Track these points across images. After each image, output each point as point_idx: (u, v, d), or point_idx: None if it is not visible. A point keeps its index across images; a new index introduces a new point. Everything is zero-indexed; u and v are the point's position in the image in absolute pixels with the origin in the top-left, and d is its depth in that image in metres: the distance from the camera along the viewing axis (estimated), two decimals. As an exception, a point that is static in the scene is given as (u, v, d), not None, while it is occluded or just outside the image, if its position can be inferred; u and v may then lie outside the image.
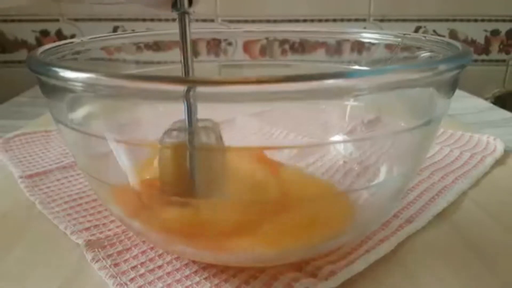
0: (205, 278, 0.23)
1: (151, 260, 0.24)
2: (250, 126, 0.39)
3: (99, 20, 0.73)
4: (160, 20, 0.73)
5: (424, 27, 0.75)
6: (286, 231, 0.22)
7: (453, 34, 0.75)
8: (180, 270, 0.23)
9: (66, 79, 0.18)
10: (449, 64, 0.19)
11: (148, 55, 0.34)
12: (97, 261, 0.24)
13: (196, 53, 0.36)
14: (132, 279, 0.23)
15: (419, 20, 0.74)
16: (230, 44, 0.39)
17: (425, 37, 0.28)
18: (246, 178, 0.25)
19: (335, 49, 0.35)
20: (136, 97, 0.20)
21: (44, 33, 0.74)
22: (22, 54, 0.74)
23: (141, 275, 0.23)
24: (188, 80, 0.19)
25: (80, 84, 0.18)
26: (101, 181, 0.24)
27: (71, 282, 0.23)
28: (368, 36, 0.32)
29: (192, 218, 0.23)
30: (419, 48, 0.28)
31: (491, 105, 0.60)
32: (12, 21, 0.73)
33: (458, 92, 0.22)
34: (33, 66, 0.20)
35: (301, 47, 0.37)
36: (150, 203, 0.24)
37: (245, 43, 0.39)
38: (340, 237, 0.24)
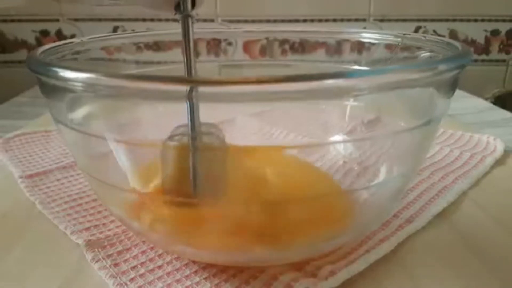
0: (205, 278, 0.23)
1: (151, 260, 0.24)
2: (250, 126, 0.39)
3: (99, 20, 0.73)
4: (160, 20, 0.73)
5: (424, 27, 0.75)
6: (286, 231, 0.22)
7: (453, 34, 0.75)
8: (180, 270, 0.23)
9: (66, 79, 0.18)
10: (449, 64, 0.19)
11: (148, 55, 0.34)
12: (97, 261, 0.24)
13: (196, 53, 0.36)
14: (132, 279, 0.23)
15: (419, 20, 0.74)
16: (230, 44, 0.39)
17: (425, 37, 0.28)
18: (247, 178, 0.25)
19: (335, 49, 0.35)
20: (136, 97, 0.20)
21: (44, 33, 0.74)
22: (22, 54, 0.74)
23: (141, 275, 0.23)
24: (190, 80, 0.19)
25: (80, 84, 0.18)
26: (101, 181, 0.24)
27: (71, 282, 0.23)
28: (368, 36, 0.32)
29: (192, 218, 0.23)
30: (419, 48, 0.28)
31: (491, 105, 0.60)
32: (12, 21, 0.73)
33: (458, 92, 0.22)
34: (33, 66, 0.20)
35: (301, 47, 0.37)
36: (151, 203, 0.24)
37: (245, 43, 0.39)
38: (340, 237, 0.24)
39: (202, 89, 0.17)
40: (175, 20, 0.23)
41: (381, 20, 0.74)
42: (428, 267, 0.24)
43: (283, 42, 0.38)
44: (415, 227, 0.27)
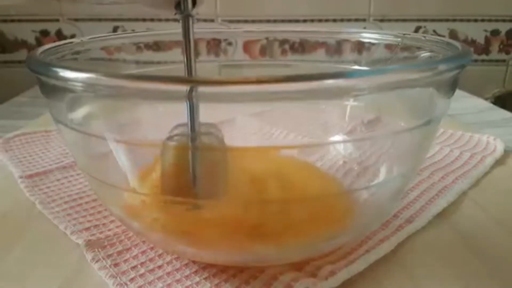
0: (205, 278, 0.23)
1: (151, 260, 0.24)
2: (250, 126, 0.39)
3: (99, 20, 0.73)
4: (160, 20, 0.73)
5: (424, 27, 0.75)
6: (286, 231, 0.22)
7: (453, 34, 0.75)
8: (180, 270, 0.23)
9: (66, 79, 0.18)
10: (449, 64, 0.19)
11: (148, 55, 0.34)
12: (97, 261, 0.24)
13: (196, 53, 0.36)
14: (132, 279, 0.23)
15: (419, 20, 0.74)
16: (230, 44, 0.39)
17: (425, 37, 0.28)
18: (247, 178, 0.25)
19: (335, 49, 0.35)
20: (136, 97, 0.20)
21: (44, 33, 0.74)
22: (22, 54, 0.74)
23: (141, 275, 0.23)
24: (190, 80, 0.19)
25: (80, 84, 0.18)
26: (101, 181, 0.24)
27: (71, 282, 0.23)
28: (368, 36, 0.32)
29: (192, 218, 0.23)
30: (419, 48, 0.28)
31: (491, 105, 0.60)
32: (12, 21, 0.73)
33: (458, 92, 0.22)
34: (33, 66, 0.20)
35: (301, 47, 0.37)
36: (151, 203, 0.24)
37: (245, 43, 0.39)
38: (340, 237, 0.24)
39: (202, 89, 0.17)
40: (175, 20, 0.23)
41: (381, 20, 0.74)
42: (428, 267, 0.24)
43: (283, 42, 0.38)
44: (415, 227, 0.27)
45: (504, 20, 0.75)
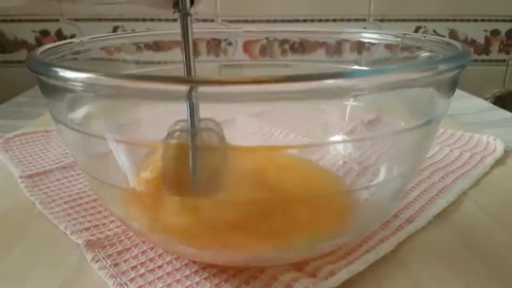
0: (205, 278, 0.23)
1: (151, 260, 0.24)
2: (250, 126, 0.39)
3: (99, 20, 0.73)
4: (160, 20, 0.73)
5: (424, 27, 0.75)
6: (286, 231, 0.22)
7: (453, 34, 0.75)
8: (180, 270, 0.23)
9: (65, 79, 0.18)
10: (448, 64, 0.19)
11: (148, 55, 0.34)
12: (97, 261, 0.24)
13: (196, 53, 0.36)
14: (132, 279, 0.23)
15: (419, 20, 0.74)
16: (230, 44, 0.39)
17: (425, 37, 0.28)
18: (246, 178, 0.25)
19: (335, 49, 0.35)
20: (136, 97, 0.20)
21: (44, 33, 0.74)
22: (22, 54, 0.74)
23: (141, 275, 0.23)
24: (190, 80, 0.19)
25: (80, 84, 0.18)
26: (101, 181, 0.24)
27: (71, 282, 0.23)
28: (368, 36, 0.32)
29: (192, 217, 0.23)
30: (419, 48, 0.28)
31: (491, 105, 0.60)
32: (12, 21, 0.73)
33: (458, 92, 0.22)
34: (33, 66, 0.20)
35: (301, 47, 0.37)
36: (150, 203, 0.24)
37: (245, 43, 0.39)
38: (340, 237, 0.24)
39: (202, 89, 0.17)
40: (175, 20, 0.23)
41: (381, 20, 0.74)
42: (428, 267, 0.24)
43: (283, 42, 0.38)
44: (415, 227, 0.27)
45: (504, 20, 0.75)
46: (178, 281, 0.23)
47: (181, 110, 0.22)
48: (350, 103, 0.29)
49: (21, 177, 0.34)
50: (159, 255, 0.25)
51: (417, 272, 0.24)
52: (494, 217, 0.29)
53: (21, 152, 0.40)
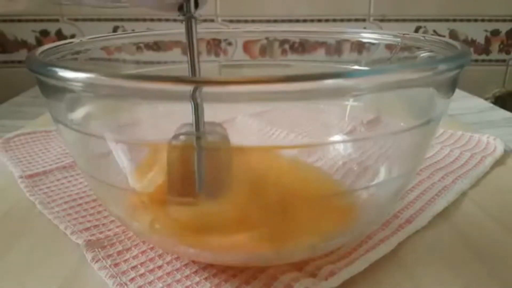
0: (205, 278, 0.23)
1: (151, 260, 0.24)
2: (250, 126, 0.39)
3: (99, 20, 0.73)
4: (160, 20, 0.73)
5: (424, 27, 0.75)
6: (286, 231, 0.22)
7: (453, 34, 0.75)
8: (180, 270, 0.24)
9: (65, 79, 0.18)
10: (448, 64, 0.19)
11: (148, 55, 0.34)
12: (97, 261, 0.24)
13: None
14: (132, 279, 0.23)
15: (419, 20, 0.74)
16: (230, 44, 0.39)
17: (424, 37, 0.28)
18: (247, 178, 0.25)
19: (335, 49, 0.35)
20: (137, 97, 0.20)
21: (44, 33, 0.74)
22: (22, 54, 0.74)
23: (141, 275, 0.23)
24: (192, 80, 0.19)
25: (79, 84, 0.18)
26: (101, 181, 0.24)
27: (71, 282, 0.23)
28: (368, 36, 0.32)
29: (193, 219, 0.23)
30: (418, 48, 0.28)
31: (491, 105, 0.60)
32: (12, 21, 0.73)
33: (458, 92, 0.22)
34: (32, 66, 0.20)
35: (301, 47, 0.37)
36: (151, 203, 0.24)
37: (245, 43, 0.39)
38: (340, 237, 0.24)
39: (205, 89, 0.17)
40: (175, 20, 0.23)
41: (381, 20, 0.74)
42: (428, 267, 0.24)
43: (283, 42, 0.38)
44: (415, 227, 0.27)
45: (504, 20, 0.75)
46: (178, 281, 0.23)
47: (181, 111, 0.22)
48: (350, 103, 0.29)
49: (21, 177, 0.34)
50: (159, 255, 0.25)
51: (417, 272, 0.24)
52: (494, 217, 0.29)
53: (21, 152, 0.40)
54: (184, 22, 0.23)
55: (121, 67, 0.33)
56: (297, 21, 0.74)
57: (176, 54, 0.33)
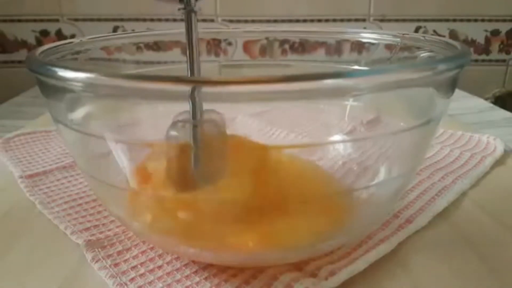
0: (205, 278, 0.23)
1: (151, 260, 0.24)
2: (250, 126, 0.39)
3: (99, 20, 0.73)
4: (160, 20, 0.73)
5: (424, 27, 0.75)
6: (286, 231, 0.22)
7: (453, 34, 0.75)
8: (180, 270, 0.24)
9: (65, 79, 0.18)
10: (448, 64, 0.19)
11: (148, 55, 0.34)
12: (97, 261, 0.24)
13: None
14: (132, 279, 0.23)
15: (419, 20, 0.74)
16: (230, 44, 0.39)
17: (424, 37, 0.28)
18: (247, 177, 0.25)
19: (335, 49, 0.35)
20: (136, 97, 0.20)
21: (44, 33, 0.74)
22: (22, 54, 0.74)
23: (141, 275, 0.23)
24: (191, 80, 0.19)
25: (79, 84, 0.18)
26: (101, 181, 0.24)
27: (71, 282, 0.23)
28: (367, 36, 0.32)
29: (192, 217, 0.23)
30: (418, 48, 0.28)
31: (491, 105, 0.60)
32: (12, 21, 0.73)
33: (458, 92, 0.22)
34: (32, 66, 0.20)
35: (301, 47, 0.37)
36: (151, 203, 0.24)
37: (245, 43, 0.39)
38: (340, 237, 0.24)
39: (204, 89, 0.17)
40: (175, 20, 0.23)
41: (381, 20, 0.74)
42: (428, 267, 0.24)
43: (283, 42, 0.38)
44: (415, 227, 0.27)
45: (504, 20, 0.75)
46: (178, 281, 0.23)
47: (181, 110, 0.22)
48: (350, 103, 0.29)
49: (21, 177, 0.34)
50: (159, 255, 0.25)
51: (417, 272, 0.24)
52: (494, 217, 0.29)
53: (21, 152, 0.40)
54: (184, 17, 0.23)
55: (121, 67, 0.33)
56: (297, 21, 0.74)
57: (176, 54, 0.33)
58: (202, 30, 0.37)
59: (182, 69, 0.24)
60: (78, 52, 0.28)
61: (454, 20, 0.75)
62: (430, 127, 0.23)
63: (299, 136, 0.37)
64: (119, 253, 0.25)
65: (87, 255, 0.25)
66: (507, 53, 0.77)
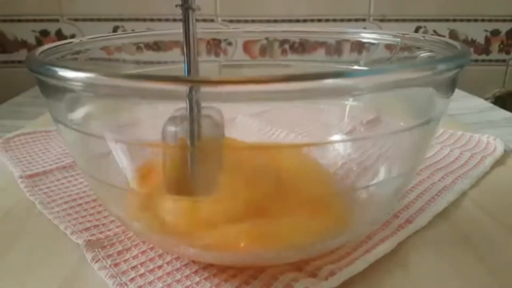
0: (205, 278, 0.23)
1: (151, 260, 0.24)
2: (250, 126, 0.39)
3: (99, 20, 0.73)
4: (160, 20, 0.73)
5: (424, 27, 0.75)
6: (286, 231, 0.22)
7: (453, 34, 0.75)
8: (180, 270, 0.24)
9: (65, 79, 0.18)
10: (448, 64, 0.19)
11: (148, 55, 0.34)
12: (97, 261, 0.24)
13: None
14: (132, 279, 0.23)
15: (419, 20, 0.74)
16: (230, 44, 0.39)
17: (424, 37, 0.28)
18: (246, 177, 0.25)
19: (335, 49, 0.35)
20: (136, 97, 0.20)
21: (44, 33, 0.74)
22: (22, 54, 0.74)
23: (141, 275, 0.23)
24: (190, 80, 0.19)
25: (79, 84, 0.18)
26: (101, 181, 0.24)
27: (71, 282, 0.23)
28: (367, 36, 0.32)
29: (192, 217, 0.23)
30: (418, 48, 0.28)
31: (491, 105, 0.60)
32: (12, 21, 0.73)
33: (458, 92, 0.22)
34: (32, 66, 0.20)
35: (301, 47, 0.37)
36: (150, 203, 0.24)
37: (245, 43, 0.39)
38: (340, 237, 0.24)
39: (203, 88, 0.17)
40: (175, 20, 0.23)
41: (381, 20, 0.74)
42: (428, 267, 0.24)
43: (283, 42, 0.38)
44: (415, 227, 0.27)
45: (504, 20, 0.75)
46: (178, 281, 0.23)
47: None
48: (350, 103, 0.29)
49: (21, 177, 0.34)
50: (159, 255, 0.25)
51: (417, 272, 0.24)
52: (494, 217, 0.29)
53: (21, 152, 0.40)
54: (181, 14, 0.23)
55: (121, 67, 0.33)
56: (297, 21, 0.74)
57: (176, 54, 0.33)
58: (202, 30, 0.37)
59: (182, 69, 0.24)
60: (78, 52, 0.28)
61: (454, 20, 0.75)
62: (430, 127, 0.23)
63: (299, 136, 0.37)
64: (119, 253, 0.25)
65: (87, 255, 0.25)
66: (507, 53, 0.77)
